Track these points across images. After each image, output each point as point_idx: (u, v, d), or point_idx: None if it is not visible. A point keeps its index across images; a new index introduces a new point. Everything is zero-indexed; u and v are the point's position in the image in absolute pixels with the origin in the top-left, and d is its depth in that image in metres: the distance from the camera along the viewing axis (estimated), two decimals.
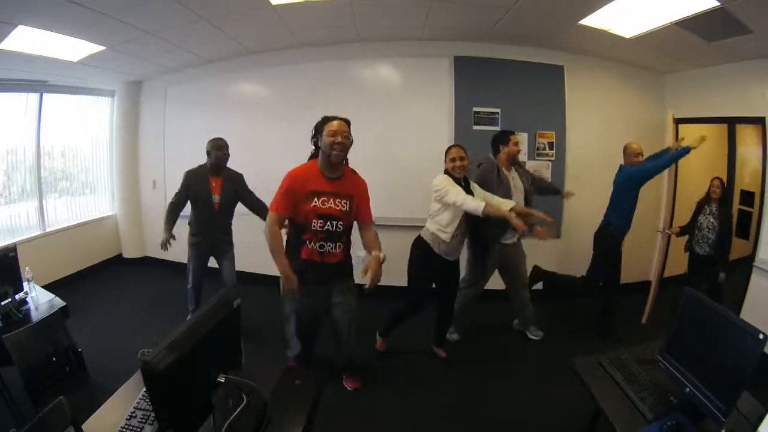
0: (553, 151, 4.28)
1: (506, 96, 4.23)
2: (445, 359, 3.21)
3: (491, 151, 3.32)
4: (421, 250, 2.96)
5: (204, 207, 3.31)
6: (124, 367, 1.76)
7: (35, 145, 4.56)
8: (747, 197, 4.35)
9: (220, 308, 1.42)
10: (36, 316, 2.55)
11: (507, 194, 3.09)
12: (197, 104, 4.89)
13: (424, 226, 3.02)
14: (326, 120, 2.36)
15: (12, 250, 2.66)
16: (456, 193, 2.72)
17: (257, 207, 3.40)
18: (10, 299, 2.56)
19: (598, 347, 2.10)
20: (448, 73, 4.23)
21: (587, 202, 4.11)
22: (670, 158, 3.38)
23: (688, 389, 1.51)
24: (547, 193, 3.61)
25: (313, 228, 2.32)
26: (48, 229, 4.68)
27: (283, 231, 2.48)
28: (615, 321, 3.55)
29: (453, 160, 2.87)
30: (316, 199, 2.31)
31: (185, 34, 3.63)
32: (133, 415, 1.49)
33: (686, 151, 3.25)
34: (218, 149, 3.28)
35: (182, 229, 3.44)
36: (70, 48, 3.58)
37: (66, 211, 5.00)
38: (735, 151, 3.99)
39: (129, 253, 5.57)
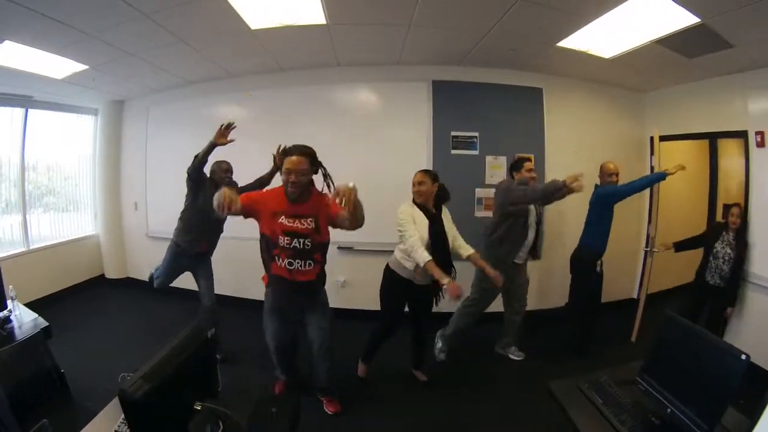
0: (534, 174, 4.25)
1: (485, 120, 4.20)
2: (425, 382, 3.15)
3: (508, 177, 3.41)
4: (390, 276, 2.91)
5: (205, 210, 3.24)
6: (105, 388, 1.76)
7: (20, 158, 4.53)
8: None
9: (194, 339, 1.44)
10: (19, 335, 2.51)
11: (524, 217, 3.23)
12: (179, 125, 4.86)
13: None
14: (285, 153, 2.32)
15: None
16: (410, 236, 2.65)
17: (256, 183, 3.40)
18: None
19: (580, 368, 2.11)
20: (426, 97, 4.20)
21: (567, 223, 4.17)
22: (644, 182, 3.37)
23: (669, 410, 1.52)
24: (557, 194, 3.17)
25: (280, 244, 2.29)
26: (32, 246, 4.63)
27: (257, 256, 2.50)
28: (590, 340, 3.54)
29: (413, 185, 2.86)
30: (283, 217, 2.29)
31: (165, 55, 3.63)
32: None
33: (662, 176, 3.26)
34: (224, 171, 3.28)
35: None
36: (55, 65, 3.59)
37: (49, 228, 4.95)
38: (717, 165, 4.01)
39: (111, 273, 5.50)
